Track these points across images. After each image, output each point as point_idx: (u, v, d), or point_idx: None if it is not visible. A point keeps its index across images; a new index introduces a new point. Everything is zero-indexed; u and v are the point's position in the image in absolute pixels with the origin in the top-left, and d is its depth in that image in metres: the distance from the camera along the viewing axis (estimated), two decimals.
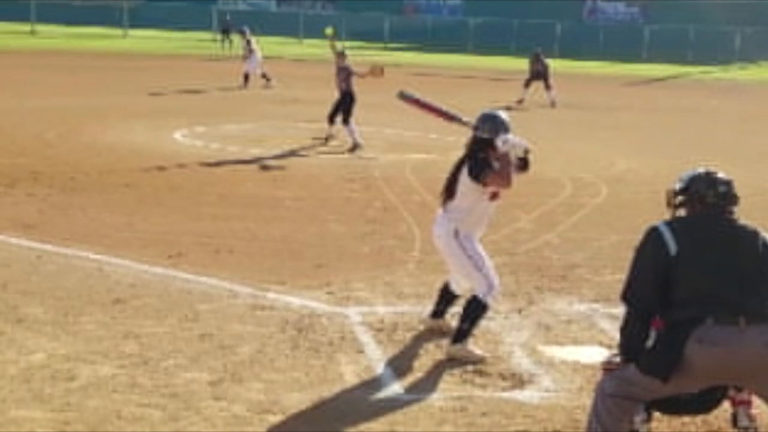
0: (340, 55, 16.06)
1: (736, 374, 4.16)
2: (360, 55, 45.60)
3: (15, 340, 5.98)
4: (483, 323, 6.28)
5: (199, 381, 5.44)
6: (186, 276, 7.63)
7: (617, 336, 4.47)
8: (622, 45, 51.88)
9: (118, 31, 53.92)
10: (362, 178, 12.72)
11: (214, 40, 47.99)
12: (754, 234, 4.30)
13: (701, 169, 4.52)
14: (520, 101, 23.86)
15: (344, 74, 15.83)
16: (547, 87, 24.52)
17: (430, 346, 6.22)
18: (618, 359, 4.44)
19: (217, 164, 13.36)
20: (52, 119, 17.24)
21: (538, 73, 24.62)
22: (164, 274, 7.69)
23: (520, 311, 7.08)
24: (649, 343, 4.30)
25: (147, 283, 7.40)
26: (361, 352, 6.07)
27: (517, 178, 6.04)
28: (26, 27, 50.90)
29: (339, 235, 9.36)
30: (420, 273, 8.03)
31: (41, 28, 52.23)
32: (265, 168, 13.34)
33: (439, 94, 26.18)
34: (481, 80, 31.89)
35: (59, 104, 19.92)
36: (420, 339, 6.36)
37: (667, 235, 4.25)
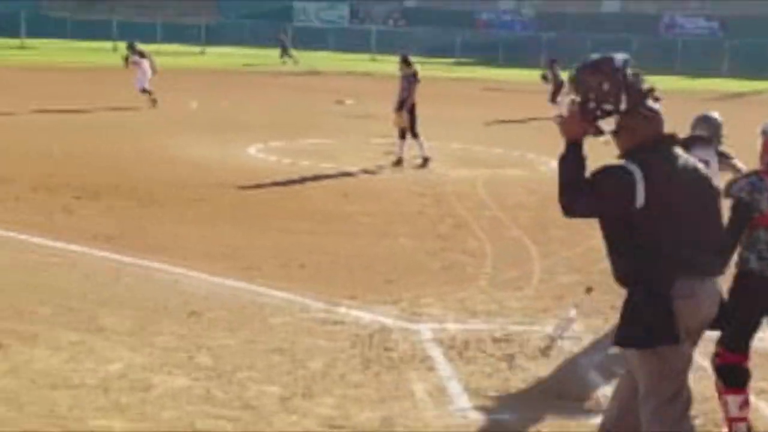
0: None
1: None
2: (431, 70, 45.66)
3: (94, 349, 6.12)
4: (557, 342, 6.23)
5: (271, 394, 5.50)
6: (258, 289, 7.72)
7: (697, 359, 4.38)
8: (700, 60, 51.07)
9: (196, 48, 54.90)
10: (433, 193, 12.73)
11: (283, 57, 48.58)
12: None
13: None
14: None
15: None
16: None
17: (502, 364, 6.18)
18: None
19: (290, 179, 13.50)
20: (132, 134, 17.63)
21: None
22: (237, 287, 7.79)
23: (595, 331, 7.00)
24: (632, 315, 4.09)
25: (220, 295, 7.51)
26: (432, 369, 6.07)
27: None
28: (108, 45, 52.15)
29: (410, 251, 9.38)
30: (492, 290, 8.00)
31: (122, 46, 53.40)
32: (337, 183, 13.44)
33: (507, 108, 26.12)
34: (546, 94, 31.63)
35: (139, 119, 20.36)
36: (492, 357, 6.32)
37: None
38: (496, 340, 6.60)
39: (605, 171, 4.02)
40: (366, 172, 14.54)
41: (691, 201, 4.03)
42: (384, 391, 5.64)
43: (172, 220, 10.49)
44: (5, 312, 6.76)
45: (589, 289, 7.56)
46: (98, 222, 10.18)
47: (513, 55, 57.58)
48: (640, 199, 3.92)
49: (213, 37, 59.46)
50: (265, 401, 5.40)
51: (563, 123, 4.09)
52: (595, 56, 4.17)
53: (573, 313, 7.07)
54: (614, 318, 7.24)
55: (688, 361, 4.07)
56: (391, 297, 7.63)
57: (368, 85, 32.80)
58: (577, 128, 4.05)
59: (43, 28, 60.15)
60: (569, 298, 7.74)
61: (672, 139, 4.16)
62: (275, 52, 49.61)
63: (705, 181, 4.15)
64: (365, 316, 7.07)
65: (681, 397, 4.06)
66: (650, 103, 4.09)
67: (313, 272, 8.43)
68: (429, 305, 7.46)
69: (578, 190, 4.01)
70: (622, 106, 4.03)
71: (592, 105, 4.04)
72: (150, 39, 60.57)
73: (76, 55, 43.55)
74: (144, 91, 23.08)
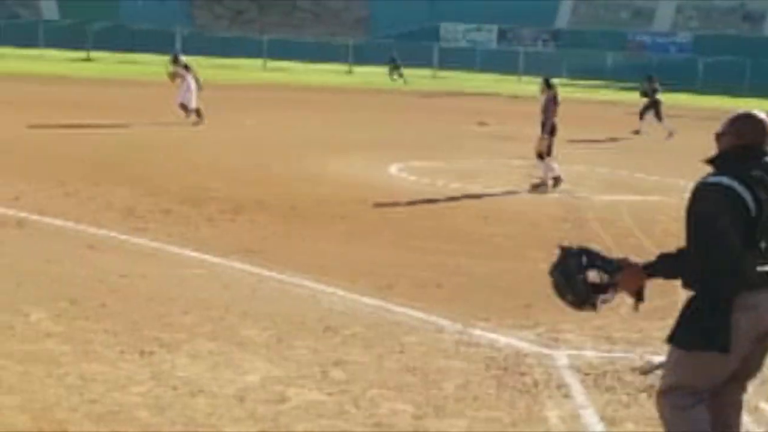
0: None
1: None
2: (581, 92, 45.02)
3: (233, 360, 6.25)
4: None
5: (403, 413, 5.48)
6: (394, 308, 7.73)
7: None
8: None
9: (344, 67, 55.93)
10: (576, 218, 12.49)
11: (433, 76, 48.87)
12: None
13: None
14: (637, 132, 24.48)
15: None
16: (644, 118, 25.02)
17: (641, 395, 5.98)
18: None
19: (430, 199, 13.52)
20: (276, 150, 18.05)
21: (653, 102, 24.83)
22: (374, 304, 7.83)
23: None
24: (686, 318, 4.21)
25: (357, 312, 7.56)
26: (568, 396, 5.92)
27: None
28: (259, 62, 53.73)
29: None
30: (633, 318, 7.74)
31: (271, 63, 54.96)
32: (477, 204, 13.38)
33: (657, 132, 25.44)
34: (701, 120, 30.71)
35: (283, 136, 20.84)
36: (630, 387, 6.12)
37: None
38: (635, 370, 6.39)
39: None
40: (507, 193, 14.42)
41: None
42: (516, 416, 5.54)
43: (312, 235, 10.65)
44: (151, 321, 7.00)
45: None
46: (241, 235, 10.44)
47: (667, 78, 56.22)
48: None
49: (360, 56, 60.44)
50: (397, 419, 5.38)
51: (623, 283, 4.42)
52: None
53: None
54: None
55: (727, 371, 4.14)
56: (529, 321, 7.51)
57: (513, 107, 32.62)
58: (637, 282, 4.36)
59: (197, 44, 62.51)
60: None
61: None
62: (421, 72, 50.00)
63: None
64: (501, 340, 6.98)
65: (701, 407, 4.16)
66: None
67: (450, 293, 8.39)
68: (567, 331, 7.30)
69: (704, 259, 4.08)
70: None
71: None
72: (299, 57, 62.31)
73: (227, 71, 45.02)
74: (183, 107, 22.20)
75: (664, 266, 4.31)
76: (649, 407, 5.78)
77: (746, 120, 4.23)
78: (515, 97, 38.52)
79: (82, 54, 54.51)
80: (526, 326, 7.36)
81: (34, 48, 54.50)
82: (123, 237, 9.96)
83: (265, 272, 8.74)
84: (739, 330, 4.02)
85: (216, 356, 6.29)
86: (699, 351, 4.09)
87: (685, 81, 53.74)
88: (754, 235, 4.02)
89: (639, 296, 4.33)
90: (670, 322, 7.87)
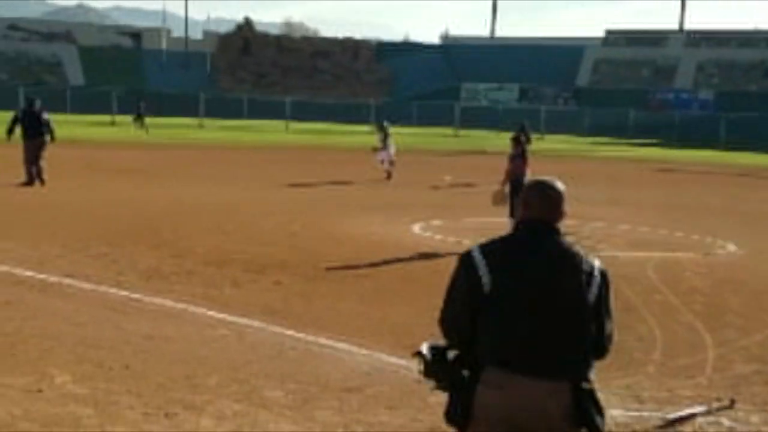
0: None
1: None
2: (602, 151, 45.05)
3: (257, 421, 6.22)
4: None
5: None
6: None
7: None
8: None
9: (364, 127, 56.34)
10: None
11: (455, 135, 49.09)
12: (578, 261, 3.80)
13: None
14: None
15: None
16: None
17: None
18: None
19: (453, 257, 13.45)
20: (298, 210, 18.12)
21: None
22: (398, 364, 7.78)
23: None
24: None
25: (381, 372, 7.51)
26: None
27: None
28: (281, 123, 54.22)
29: None
30: (661, 377, 7.67)
31: (294, 125, 55.44)
32: None
33: (678, 189, 25.37)
34: (724, 176, 30.65)
35: (305, 195, 20.95)
36: None
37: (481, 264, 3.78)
38: (664, 429, 6.29)
39: None
40: None
41: None
42: None
43: (336, 295, 10.64)
44: (176, 382, 6.98)
45: (732, 402, 7.02)
46: (264, 296, 10.45)
47: (689, 135, 56.21)
48: None
49: (382, 116, 60.91)
50: None
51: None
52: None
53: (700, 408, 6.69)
54: None
55: None
56: None
57: (535, 166, 32.61)
58: None
59: (220, 107, 63.32)
60: (746, 388, 7.33)
61: None
62: (442, 131, 50.19)
63: None
64: None
65: None
66: None
67: None
68: None
69: None
70: None
71: None
72: (321, 118, 62.85)
73: (251, 134, 45.42)
74: None
75: None
76: None
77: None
78: (540, 152, 38.56)
79: (106, 118, 55.31)
80: None
81: (62, 113, 55.42)
82: (147, 298, 9.99)
83: (289, 332, 8.73)
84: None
85: (241, 418, 6.26)
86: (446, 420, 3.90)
87: (707, 138, 53.74)
88: None
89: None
90: (700, 380, 7.82)
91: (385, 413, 6.46)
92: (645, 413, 6.71)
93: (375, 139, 26.69)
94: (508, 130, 54.54)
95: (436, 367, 3.84)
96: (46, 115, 21.24)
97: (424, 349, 3.90)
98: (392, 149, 25.95)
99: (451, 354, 3.86)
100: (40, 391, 6.62)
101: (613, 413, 6.67)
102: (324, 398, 6.75)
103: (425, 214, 18.10)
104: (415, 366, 3.97)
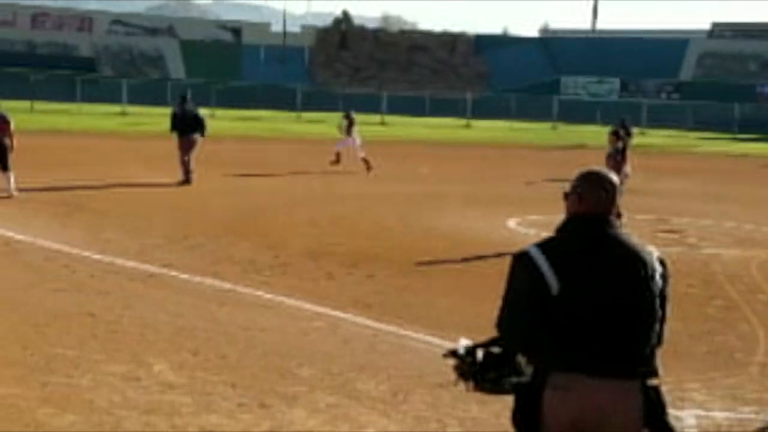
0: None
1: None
2: (706, 146, 43.92)
3: (349, 414, 6.24)
4: None
5: None
6: None
7: None
8: None
9: (462, 122, 56.17)
10: (702, 274, 12.08)
11: (553, 129, 48.49)
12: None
13: None
14: None
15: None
16: None
17: None
18: None
19: None
20: (393, 205, 18.14)
21: None
22: None
23: None
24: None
25: None
26: None
27: None
28: (376, 117, 54.43)
29: (674, 333, 8.83)
30: (764, 378, 7.42)
31: (389, 118, 55.63)
32: None
33: None
34: None
35: (400, 191, 20.95)
36: None
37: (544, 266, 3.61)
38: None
39: None
40: None
41: None
42: None
43: (430, 289, 10.61)
44: (270, 373, 7.06)
45: None
46: (359, 289, 10.49)
47: None
48: None
49: (478, 110, 60.64)
50: None
51: None
52: None
53: None
54: None
55: None
56: None
57: (637, 161, 31.98)
58: None
59: (316, 101, 63.83)
60: None
61: None
62: (541, 125, 49.61)
63: None
64: None
65: None
66: None
67: None
68: (693, 390, 7.02)
69: None
70: None
71: None
72: (417, 112, 62.85)
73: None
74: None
75: None
76: None
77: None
78: (640, 147, 37.83)
79: (206, 111, 56.31)
80: None
81: (163, 107, 56.74)
82: (244, 290, 10.14)
83: (383, 326, 8.74)
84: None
85: (333, 410, 6.29)
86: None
87: None
88: None
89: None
90: None
91: (479, 408, 6.41)
92: (747, 416, 6.50)
93: (339, 127, 26.09)
94: (608, 124, 53.72)
95: (486, 366, 3.76)
96: (197, 112, 21.26)
97: (461, 348, 3.82)
98: (357, 139, 25.26)
99: (480, 353, 3.77)
100: (138, 379, 6.77)
101: (714, 415, 6.49)
102: (417, 392, 6.74)
103: (521, 209, 17.91)
104: (451, 366, 3.88)
